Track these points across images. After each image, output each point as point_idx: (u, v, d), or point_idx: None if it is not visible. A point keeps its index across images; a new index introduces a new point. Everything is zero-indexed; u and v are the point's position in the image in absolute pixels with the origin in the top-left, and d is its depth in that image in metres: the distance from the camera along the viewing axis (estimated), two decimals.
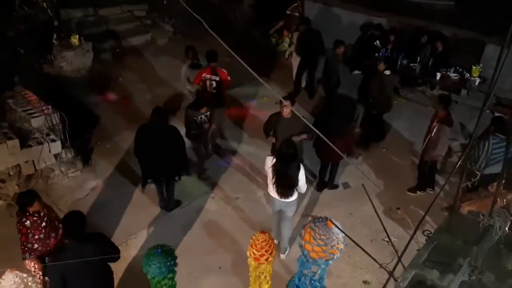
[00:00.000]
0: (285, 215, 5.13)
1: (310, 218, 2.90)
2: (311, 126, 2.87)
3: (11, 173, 6.03)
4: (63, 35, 8.71)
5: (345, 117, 5.97)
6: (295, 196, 4.95)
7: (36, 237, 4.19)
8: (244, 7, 11.72)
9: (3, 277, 3.04)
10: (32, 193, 4.26)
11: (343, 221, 5.67)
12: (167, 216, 5.92)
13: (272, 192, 4.93)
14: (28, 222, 4.15)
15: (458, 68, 8.41)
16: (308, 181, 6.43)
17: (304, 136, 5.63)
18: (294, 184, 4.76)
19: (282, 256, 5.27)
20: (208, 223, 5.87)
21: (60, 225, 4.29)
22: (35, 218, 4.18)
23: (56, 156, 6.35)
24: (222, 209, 6.11)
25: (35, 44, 8.21)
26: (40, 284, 3.65)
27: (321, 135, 2.48)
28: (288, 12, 10.55)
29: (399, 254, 2.30)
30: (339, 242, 2.70)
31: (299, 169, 4.72)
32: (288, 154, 4.59)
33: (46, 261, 3.80)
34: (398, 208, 6.06)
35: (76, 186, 6.34)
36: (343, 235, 2.72)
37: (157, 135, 5.27)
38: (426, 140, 5.93)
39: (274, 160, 4.75)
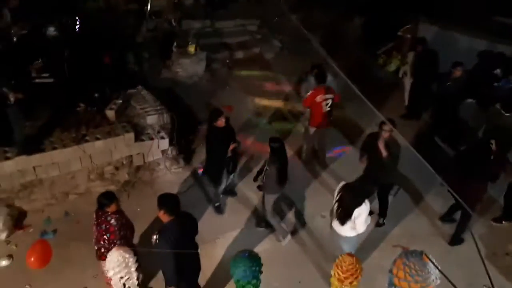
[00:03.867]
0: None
1: (401, 251, 2.77)
2: (417, 154, 2.71)
3: (124, 162, 6.71)
4: (182, 43, 9.49)
5: (484, 162, 5.37)
6: (351, 233, 4.74)
7: (122, 233, 4.39)
8: (353, 27, 11.65)
9: (109, 253, 3.40)
10: (111, 195, 4.43)
11: (437, 259, 5.28)
12: (254, 222, 6.07)
13: (331, 217, 4.86)
14: (113, 220, 4.36)
15: None
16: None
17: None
18: (345, 218, 4.61)
19: None
20: (293, 237, 5.90)
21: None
22: (117, 216, 4.38)
23: (163, 152, 6.92)
24: (307, 225, 6.12)
25: (157, 50, 9.10)
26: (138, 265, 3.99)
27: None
28: (399, 33, 10.23)
29: None
30: (436, 277, 2.54)
31: (359, 204, 4.55)
32: (354, 189, 4.60)
33: (155, 238, 4.11)
34: (507, 254, 5.46)
35: (177, 181, 6.81)
36: (439, 271, 2.54)
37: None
38: None
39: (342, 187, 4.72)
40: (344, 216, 4.62)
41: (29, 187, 6.11)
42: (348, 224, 4.64)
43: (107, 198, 4.37)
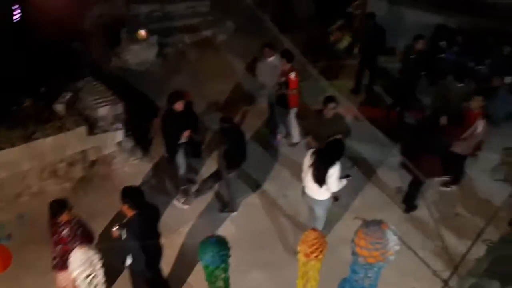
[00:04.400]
0: (314, 213, 5.20)
1: (361, 222, 2.87)
2: (373, 126, 2.82)
3: (78, 158, 6.45)
4: (131, 29, 9.15)
5: (435, 135, 5.69)
6: (322, 196, 4.96)
7: (77, 243, 4.11)
8: (304, 5, 11.67)
9: (72, 253, 3.30)
10: (63, 203, 4.19)
11: (395, 226, 5.56)
12: (217, 207, 6.09)
13: (304, 183, 5.05)
14: (65, 231, 4.16)
15: None
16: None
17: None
18: (322, 179, 4.79)
19: None
20: (255, 217, 5.96)
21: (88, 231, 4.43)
22: (71, 225, 4.18)
23: (118, 144, 6.72)
24: (270, 205, 6.20)
25: (106, 37, 8.72)
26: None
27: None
28: (349, 10, 10.37)
29: (456, 263, 2.22)
30: (396, 244, 2.68)
31: (333, 163, 4.74)
32: (325, 152, 4.80)
33: (120, 232, 4.04)
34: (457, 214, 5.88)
35: (136, 173, 6.65)
36: (397, 237, 2.68)
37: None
38: (470, 134, 5.75)
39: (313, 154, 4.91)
40: (321, 176, 4.78)
41: None
42: (323, 186, 4.83)
43: (58, 206, 4.13)
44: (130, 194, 4.00)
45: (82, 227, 4.35)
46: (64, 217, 4.14)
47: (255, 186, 6.50)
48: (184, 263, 5.23)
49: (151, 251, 4.10)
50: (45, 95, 6.60)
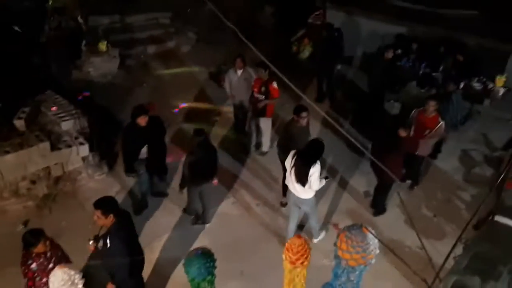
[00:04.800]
0: (305, 212, 5.41)
1: (340, 229, 2.95)
2: (343, 131, 2.95)
3: (41, 175, 6.21)
4: (91, 41, 8.95)
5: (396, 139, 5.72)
6: (308, 195, 5.12)
7: (44, 280, 3.83)
8: (265, 15, 11.87)
9: (52, 273, 3.15)
10: (38, 233, 3.89)
11: None
12: (189, 219, 6.01)
13: (289, 184, 5.17)
14: (34, 265, 3.88)
15: (481, 78, 8.38)
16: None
17: None
18: (304, 178, 4.93)
19: (314, 240, 5.64)
20: (229, 228, 5.94)
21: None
22: (41, 260, 3.90)
23: (83, 159, 6.52)
24: (243, 215, 6.20)
25: (65, 50, 8.47)
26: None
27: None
28: (309, 20, 10.64)
29: (433, 262, 2.33)
30: (376, 247, 2.78)
31: (314, 162, 4.87)
32: (305, 152, 4.93)
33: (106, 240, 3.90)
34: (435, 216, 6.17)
35: (102, 188, 6.44)
36: (378, 241, 2.79)
37: None
38: (433, 135, 6.06)
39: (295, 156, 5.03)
40: (303, 176, 4.91)
41: None
42: (306, 185, 4.96)
43: (32, 237, 3.82)
44: (109, 205, 3.88)
45: (55, 261, 3.99)
46: (39, 249, 3.85)
47: (227, 196, 6.48)
48: (159, 278, 5.12)
49: (136, 256, 4.06)
50: (3, 110, 6.32)
